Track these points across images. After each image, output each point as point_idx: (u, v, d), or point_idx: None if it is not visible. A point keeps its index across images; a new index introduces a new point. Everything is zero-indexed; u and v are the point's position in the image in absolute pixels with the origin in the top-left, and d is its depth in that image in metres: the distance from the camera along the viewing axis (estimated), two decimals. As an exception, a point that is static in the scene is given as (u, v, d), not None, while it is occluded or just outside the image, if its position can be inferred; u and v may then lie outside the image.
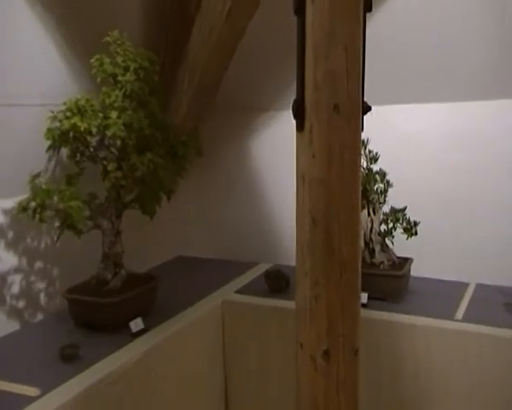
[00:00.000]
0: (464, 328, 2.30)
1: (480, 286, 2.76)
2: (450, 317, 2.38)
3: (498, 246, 2.78)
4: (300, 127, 1.40)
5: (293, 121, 1.41)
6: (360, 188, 1.46)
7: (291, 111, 1.40)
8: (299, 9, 1.38)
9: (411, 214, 2.67)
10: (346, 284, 1.43)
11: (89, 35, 2.47)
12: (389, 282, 2.57)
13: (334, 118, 1.35)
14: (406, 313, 2.44)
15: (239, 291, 2.80)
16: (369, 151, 2.68)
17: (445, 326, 2.32)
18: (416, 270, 2.78)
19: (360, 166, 1.45)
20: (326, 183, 1.37)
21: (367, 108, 1.48)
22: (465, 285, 2.78)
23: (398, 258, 2.72)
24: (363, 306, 2.46)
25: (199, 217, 3.55)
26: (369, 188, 2.62)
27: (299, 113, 1.39)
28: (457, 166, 2.84)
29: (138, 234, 3.19)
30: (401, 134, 2.94)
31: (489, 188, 2.79)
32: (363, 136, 2.65)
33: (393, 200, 2.71)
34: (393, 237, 2.65)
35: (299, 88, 1.40)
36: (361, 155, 1.50)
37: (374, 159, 2.68)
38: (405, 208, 2.70)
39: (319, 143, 1.36)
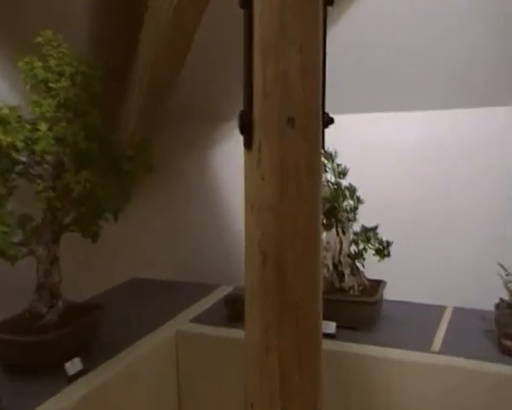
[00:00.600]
0: (441, 361, 2.07)
1: (457, 310, 2.55)
2: (427, 348, 2.16)
3: (478, 266, 2.57)
4: (248, 144, 1.16)
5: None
6: (321, 216, 1.21)
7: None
8: (246, 1, 1.14)
9: (384, 233, 2.45)
10: (304, 330, 1.19)
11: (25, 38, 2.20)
12: (360, 309, 2.34)
13: (288, 133, 1.11)
14: (379, 344, 2.21)
15: (195, 319, 2.54)
16: (338, 165, 2.46)
17: (420, 360, 2.09)
18: (389, 293, 2.56)
19: (320, 188, 1.21)
20: (278, 210, 1.13)
21: (328, 121, 1.24)
22: (442, 309, 2.56)
23: (370, 281, 2.50)
24: (331, 337, 2.23)
25: (156, 236, 3.29)
26: (337, 205, 2.39)
27: (245, 127, 1.15)
28: (434, 180, 2.63)
29: (87, 256, 2.93)
30: (372, 146, 2.72)
31: (468, 203, 2.59)
32: (331, 148, 2.48)
33: (364, 218, 2.48)
34: (364, 259, 2.42)
35: (246, 96, 1.15)
36: (321, 176, 1.26)
37: (342, 173, 2.45)
38: (377, 227, 2.48)
39: (270, 164, 1.12)
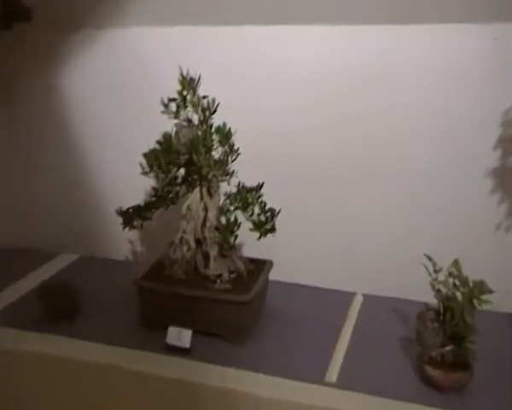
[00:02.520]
0: (338, 399, 1.39)
1: (368, 300, 1.87)
2: (319, 376, 1.47)
3: (392, 240, 1.88)
4: None
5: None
6: None
7: None
8: None
9: (269, 197, 1.69)
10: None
11: None
12: (228, 311, 1.60)
13: None
14: (248, 365, 1.50)
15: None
16: (203, 97, 1.64)
17: (307, 399, 1.40)
18: (280, 272, 1.84)
19: None
20: None
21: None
22: (349, 298, 1.88)
23: (251, 262, 1.76)
24: (184, 352, 1.51)
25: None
26: (197, 157, 1.59)
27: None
28: (347, 120, 1.85)
29: None
30: (259, 66, 1.89)
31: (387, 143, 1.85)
32: (192, 70, 1.64)
33: (242, 174, 1.70)
34: (236, 236, 1.66)
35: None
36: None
37: (208, 109, 1.64)
38: (261, 186, 1.71)
39: None
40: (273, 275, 1.79)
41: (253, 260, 1.78)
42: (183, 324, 1.58)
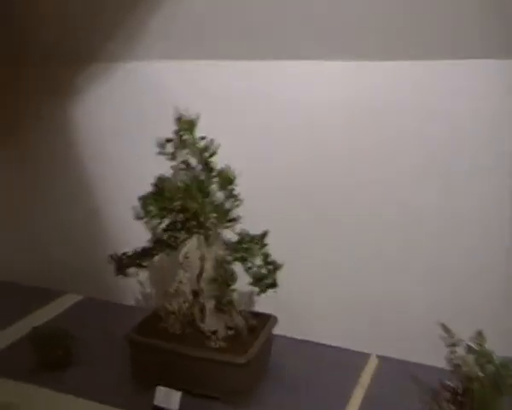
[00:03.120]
0: None
1: (383, 361, 1.68)
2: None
3: (407, 293, 1.69)
4: None
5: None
6: None
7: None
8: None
9: (274, 244, 1.55)
10: None
11: None
12: (223, 372, 1.46)
13: None
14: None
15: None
16: (201, 138, 1.53)
17: None
18: (288, 327, 1.70)
19: None
20: None
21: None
22: (363, 358, 1.70)
23: (254, 316, 1.62)
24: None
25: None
26: (191, 204, 1.47)
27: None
28: (353, 158, 1.70)
29: None
30: (266, 104, 1.77)
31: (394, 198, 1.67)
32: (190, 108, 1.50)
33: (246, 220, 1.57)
34: (233, 290, 1.53)
35: None
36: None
37: (209, 151, 1.52)
38: (265, 235, 1.57)
39: None
40: (282, 330, 1.65)
41: (256, 315, 1.64)
42: (175, 382, 1.46)
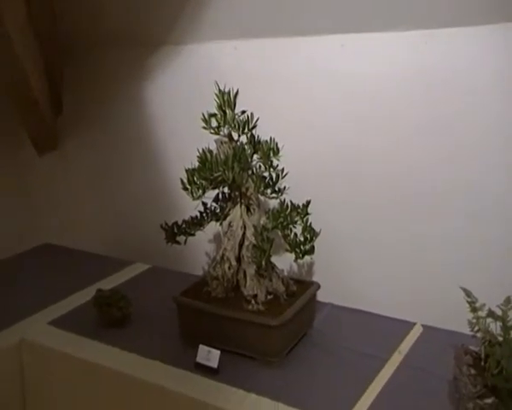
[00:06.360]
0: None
1: (428, 331, 1.68)
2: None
3: (453, 263, 1.67)
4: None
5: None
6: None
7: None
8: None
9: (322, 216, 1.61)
10: None
11: None
12: (258, 334, 1.54)
13: None
14: (273, 394, 1.42)
15: (57, 322, 1.85)
16: (242, 112, 1.60)
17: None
18: (341, 297, 1.77)
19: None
20: None
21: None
22: (408, 327, 1.71)
23: (299, 282, 1.68)
24: (213, 371, 1.48)
25: (77, 198, 2.58)
26: (228, 174, 1.54)
27: None
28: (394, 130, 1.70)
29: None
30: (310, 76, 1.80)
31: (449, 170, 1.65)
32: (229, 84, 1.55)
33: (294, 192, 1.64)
34: (270, 256, 1.58)
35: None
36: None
37: (246, 124, 1.59)
38: (307, 204, 1.63)
39: None
40: (331, 298, 1.69)
41: (299, 281, 1.70)
42: (216, 342, 1.56)
